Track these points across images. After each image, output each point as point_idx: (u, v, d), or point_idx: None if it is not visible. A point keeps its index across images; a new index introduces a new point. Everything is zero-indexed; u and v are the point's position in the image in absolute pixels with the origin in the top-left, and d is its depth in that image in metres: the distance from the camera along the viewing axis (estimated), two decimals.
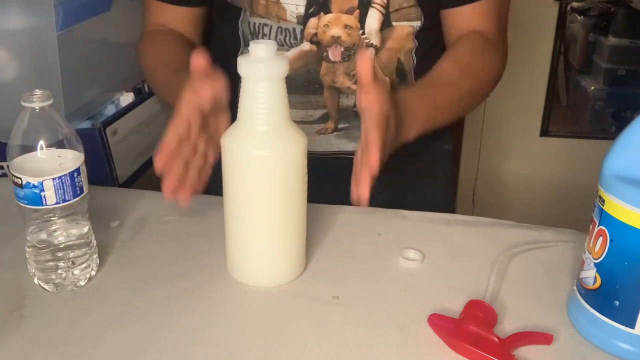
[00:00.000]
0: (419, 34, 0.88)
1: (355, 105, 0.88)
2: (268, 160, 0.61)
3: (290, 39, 0.86)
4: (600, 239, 0.56)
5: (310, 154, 0.64)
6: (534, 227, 0.77)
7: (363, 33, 0.85)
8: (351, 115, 0.89)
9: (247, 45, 0.88)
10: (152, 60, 0.89)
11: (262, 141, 0.61)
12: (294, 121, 0.63)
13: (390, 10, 0.84)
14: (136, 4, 1.15)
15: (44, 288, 0.65)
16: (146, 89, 1.20)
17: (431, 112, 0.77)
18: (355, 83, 0.87)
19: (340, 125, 0.90)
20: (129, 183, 1.12)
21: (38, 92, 0.60)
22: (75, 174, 0.62)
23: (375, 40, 0.86)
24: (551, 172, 2.28)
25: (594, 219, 0.57)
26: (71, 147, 0.62)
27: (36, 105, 0.60)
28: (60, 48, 0.93)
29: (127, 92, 1.17)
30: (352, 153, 0.88)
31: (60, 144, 0.62)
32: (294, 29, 0.85)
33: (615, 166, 0.55)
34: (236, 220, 0.65)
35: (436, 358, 0.57)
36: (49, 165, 0.61)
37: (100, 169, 1.04)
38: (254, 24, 0.87)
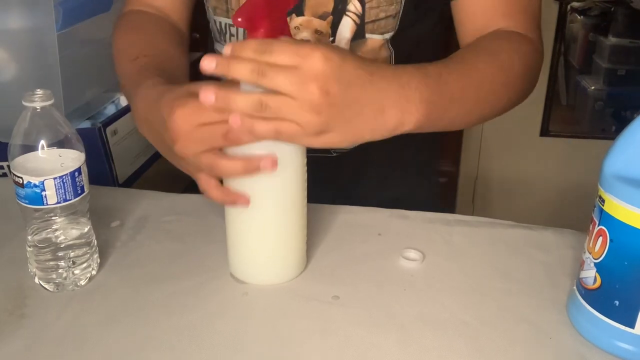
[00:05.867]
0: (394, 40, 0.81)
1: None
2: None
3: None
4: (600, 239, 0.56)
5: None
6: (534, 227, 0.77)
7: (333, 41, 0.80)
8: None
9: (217, 41, 0.88)
10: (122, 47, 0.81)
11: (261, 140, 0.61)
12: None
13: (366, 21, 0.79)
14: None
15: (44, 288, 0.65)
16: None
17: (436, 86, 0.60)
18: None
19: None
20: (129, 183, 1.12)
21: (39, 91, 0.60)
22: (76, 173, 0.62)
23: None
24: (551, 172, 2.28)
25: (594, 219, 0.58)
26: (72, 147, 0.62)
27: (37, 104, 0.60)
28: (60, 48, 0.93)
29: None
30: (323, 151, 0.86)
31: (61, 144, 0.62)
32: None
33: (615, 166, 0.55)
34: (237, 218, 0.65)
35: (436, 358, 0.57)
36: (50, 164, 0.61)
37: (100, 169, 1.04)
38: (220, 22, 0.85)
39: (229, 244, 0.67)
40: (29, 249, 0.65)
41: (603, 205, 0.56)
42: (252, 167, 0.58)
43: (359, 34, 0.80)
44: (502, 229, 0.77)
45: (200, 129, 0.56)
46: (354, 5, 0.78)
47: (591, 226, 0.58)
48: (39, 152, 0.61)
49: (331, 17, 0.79)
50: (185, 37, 0.88)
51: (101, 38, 1.08)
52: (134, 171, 1.14)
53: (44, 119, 0.61)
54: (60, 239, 0.64)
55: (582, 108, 2.41)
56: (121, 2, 0.97)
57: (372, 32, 0.80)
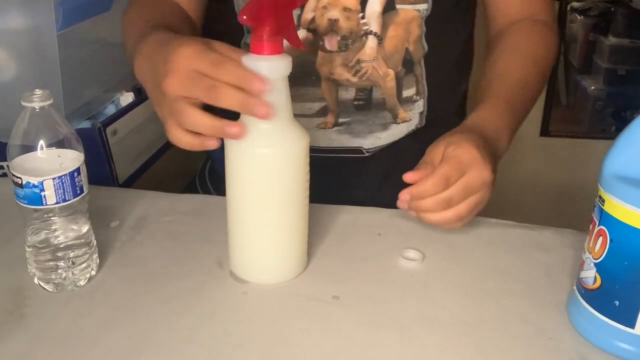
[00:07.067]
0: (429, 20, 0.83)
1: (355, 99, 0.86)
2: (271, 157, 0.62)
3: None
4: (600, 239, 0.56)
5: (311, 148, 0.64)
6: (534, 227, 0.77)
7: (363, 17, 0.81)
8: (352, 109, 0.86)
9: (250, 33, 0.88)
10: (131, 19, 0.82)
11: (265, 139, 0.61)
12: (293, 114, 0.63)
13: None
14: None
15: (44, 288, 0.65)
16: None
17: (512, 123, 0.79)
18: (354, 75, 0.84)
19: (340, 120, 0.87)
20: (129, 183, 1.12)
21: (38, 91, 0.60)
22: (75, 173, 0.62)
23: (374, 26, 0.82)
24: (551, 172, 2.28)
25: (594, 219, 0.57)
26: (71, 147, 0.62)
27: (36, 105, 0.60)
28: (60, 48, 0.93)
29: (127, 92, 1.17)
30: (355, 150, 0.89)
31: (60, 144, 0.62)
32: None
33: (615, 166, 0.55)
34: (239, 216, 0.65)
35: (436, 358, 0.57)
36: (49, 165, 0.61)
37: (100, 169, 1.04)
38: None
39: (230, 242, 0.67)
40: (28, 249, 0.65)
41: (603, 205, 0.56)
42: (218, 128, 0.59)
43: (389, 5, 0.81)
44: (502, 229, 0.77)
45: (192, 73, 0.58)
46: None
47: (591, 226, 0.58)
48: (38, 153, 0.61)
49: None
50: (195, 24, 0.89)
51: (101, 38, 1.08)
52: (134, 171, 1.14)
53: (42, 119, 0.60)
54: (59, 239, 0.64)
55: (582, 108, 2.40)
56: (121, 2, 0.97)
57: (402, 2, 0.81)
